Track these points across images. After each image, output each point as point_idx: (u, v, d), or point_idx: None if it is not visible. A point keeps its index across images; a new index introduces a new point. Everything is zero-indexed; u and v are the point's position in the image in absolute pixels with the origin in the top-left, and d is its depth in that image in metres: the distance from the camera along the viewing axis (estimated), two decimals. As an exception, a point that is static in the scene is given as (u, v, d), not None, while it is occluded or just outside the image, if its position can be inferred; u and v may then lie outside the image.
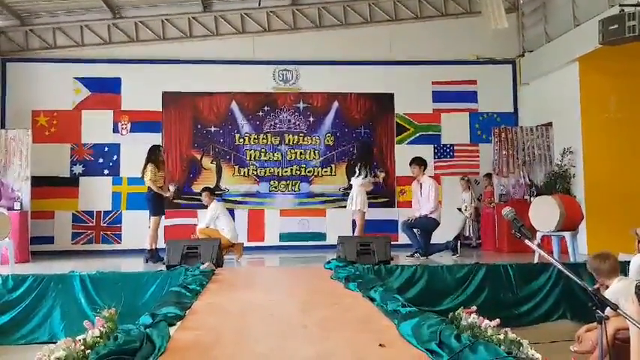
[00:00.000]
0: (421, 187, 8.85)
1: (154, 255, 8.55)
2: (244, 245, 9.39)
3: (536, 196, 9.11)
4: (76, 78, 10.73)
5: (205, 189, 9.39)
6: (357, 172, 8.99)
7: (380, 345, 3.15)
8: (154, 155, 8.78)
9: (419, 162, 8.97)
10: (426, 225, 8.72)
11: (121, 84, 10.82)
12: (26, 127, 9.96)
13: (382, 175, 9.42)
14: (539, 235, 7.74)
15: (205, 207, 9.16)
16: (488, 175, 10.67)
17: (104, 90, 10.77)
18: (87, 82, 10.76)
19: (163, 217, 9.06)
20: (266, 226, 10.88)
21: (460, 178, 10.92)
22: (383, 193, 10.87)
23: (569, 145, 9.62)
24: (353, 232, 9.71)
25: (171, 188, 8.97)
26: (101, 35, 10.92)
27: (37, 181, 9.93)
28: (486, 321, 3.09)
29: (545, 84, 10.51)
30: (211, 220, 8.86)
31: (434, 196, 8.65)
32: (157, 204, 8.74)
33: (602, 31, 7.44)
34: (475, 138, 11.28)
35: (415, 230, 8.82)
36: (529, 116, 11.04)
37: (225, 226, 8.90)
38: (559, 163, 9.79)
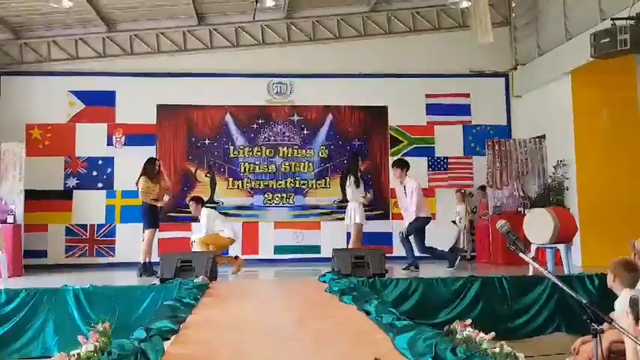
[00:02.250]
0: (405, 189, 8.72)
1: (147, 268, 8.48)
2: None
3: (530, 208, 9.14)
4: (70, 91, 10.72)
5: (192, 199, 9.22)
6: (354, 183, 8.98)
7: (375, 359, 3.14)
8: (148, 168, 8.75)
9: (401, 164, 8.87)
10: (417, 227, 8.58)
11: (116, 97, 10.82)
12: (20, 141, 9.91)
13: (369, 197, 9.39)
14: (533, 248, 7.75)
15: (197, 220, 9.10)
16: (482, 188, 10.69)
17: (99, 103, 10.76)
18: (81, 95, 10.76)
19: (158, 230, 8.98)
20: (260, 238, 10.85)
21: (456, 191, 10.93)
22: (377, 206, 10.86)
23: (563, 157, 9.67)
24: (347, 245, 9.68)
25: (166, 198, 8.89)
26: (96, 48, 10.93)
27: (31, 195, 9.89)
28: (481, 334, 3.09)
29: (538, 97, 10.59)
30: (208, 227, 8.78)
31: (416, 195, 8.50)
32: (151, 217, 8.67)
33: (594, 44, 7.50)
34: (469, 150, 11.31)
35: (411, 238, 8.68)
36: (522, 129, 11.09)
37: (223, 227, 8.82)
38: (552, 175, 9.83)
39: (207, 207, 9.28)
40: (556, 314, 6.44)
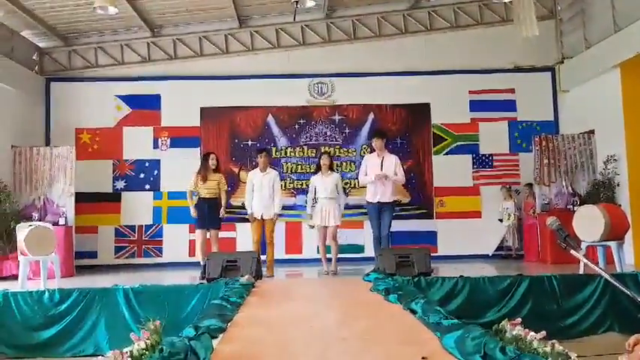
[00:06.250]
0: (383, 161, 8.36)
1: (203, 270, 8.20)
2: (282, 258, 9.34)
3: (580, 205, 8.91)
4: (117, 96, 11.00)
5: (265, 149, 9.08)
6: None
7: (423, 358, 3.11)
8: (201, 163, 8.67)
9: (384, 134, 8.64)
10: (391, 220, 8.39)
11: (161, 100, 11.05)
12: (70, 145, 10.24)
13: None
14: (583, 246, 7.54)
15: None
16: (529, 185, 10.48)
17: (144, 107, 11.01)
18: (128, 99, 11.02)
19: (206, 230, 8.49)
20: (304, 238, 10.89)
21: (501, 188, 10.74)
22: (421, 204, 10.76)
23: (613, 152, 9.38)
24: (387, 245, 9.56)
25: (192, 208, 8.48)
26: (141, 53, 11.19)
27: (81, 197, 10.18)
28: (532, 333, 3.02)
29: (586, 91, 10.30)
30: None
31: (402, 172, 8.31)
32: (197, 216, 8.50)
33: (645, 35, 7.27)
34: (515, 147, 11.10)
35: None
36: (570, 124, 10.81)
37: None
38: (602, 171, 9.56)
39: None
40: (608, 314, 6.24)
